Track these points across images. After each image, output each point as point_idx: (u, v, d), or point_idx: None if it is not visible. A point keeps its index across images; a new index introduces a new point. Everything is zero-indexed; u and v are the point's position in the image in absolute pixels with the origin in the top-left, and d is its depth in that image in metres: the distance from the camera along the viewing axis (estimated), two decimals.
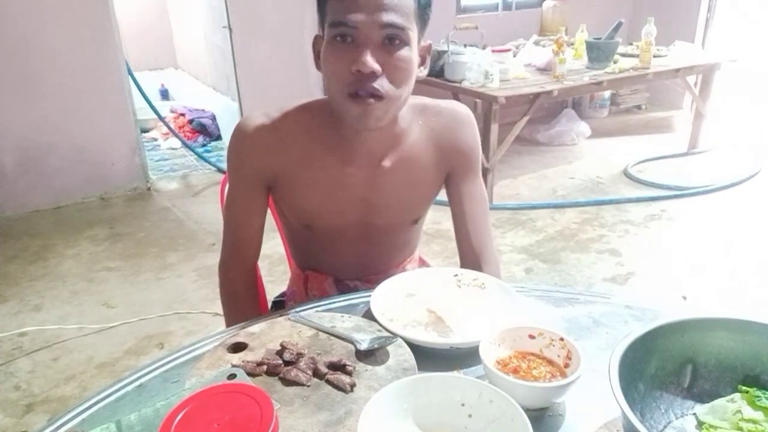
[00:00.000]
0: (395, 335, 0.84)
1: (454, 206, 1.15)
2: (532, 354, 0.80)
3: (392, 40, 0.90)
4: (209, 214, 3.34)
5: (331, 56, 0.93)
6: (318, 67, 0.99)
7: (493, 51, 3.50)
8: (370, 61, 0.89)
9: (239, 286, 1.15)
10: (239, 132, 1.05)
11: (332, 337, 0.86)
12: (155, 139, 4.79)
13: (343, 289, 1.21)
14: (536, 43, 4.17)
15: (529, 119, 3.41)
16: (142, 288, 2.66)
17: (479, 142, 1.16)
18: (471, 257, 1.12)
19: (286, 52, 3.95)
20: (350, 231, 1.12)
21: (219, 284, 1.17)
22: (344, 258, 1.17)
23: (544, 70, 3.65)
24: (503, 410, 0.66)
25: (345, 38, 0.90)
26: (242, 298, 1.16)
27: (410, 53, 0.93)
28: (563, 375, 0.76)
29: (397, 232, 1.18)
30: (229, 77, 3.99)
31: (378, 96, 0.92)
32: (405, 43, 0.92)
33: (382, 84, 0.92)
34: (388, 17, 0.88)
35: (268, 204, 1.11)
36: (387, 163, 1.06)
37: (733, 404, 0.68)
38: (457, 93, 3.46)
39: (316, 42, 0.99)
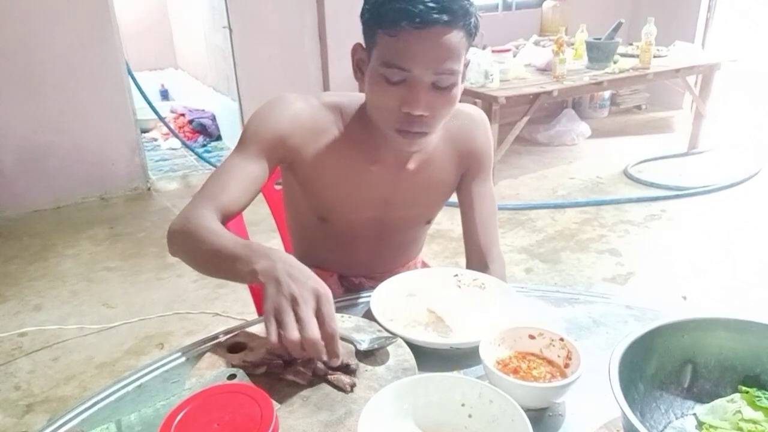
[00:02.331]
0: (395, 335, 0.85)
1: (465, 206, 1.16)
2: (532, 354, 0.80)
3: (443, 82, 0.91)
4: None
5: (380, 92, 0.93)
6: (357, 78, 0.99)
7: (493, 51, 3.50)
8: (422, 107, 0.90)
9: (209, 219, 0.91)
10: (281, 101, 1.03)
11: None
12: (155, 139, 4.79)
13: (348, 285, 1.22)
14: (536, 43, 4.17)
15: (529, 119, 3.41)
16: (142, 288, 2.66)
17: (492, 145, 1.18)
18: (477, 257, 1.13)
19: (286, 52, 3.96)
20: (365, 228, 1.13)
21: (172, 229, 0.94)
22: (354, 254, 1.19)
23: (544, 70, 3.65)
24: (503, 410, 0.66)
25: (396, 79, 0.90)
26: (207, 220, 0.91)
27: (458, 90, 0.94)
28: (563, 375, 0.76)
29: (409, 232, 1.21)
30: (229, 77, 3.99)
31: (425, 132, 0.94)
32: (455, 84, 0.92)
33: (429, 123, 0.94)
34: (443, 65, 0.88)
35: (267, 178, 1.04)
36: (411, 165, 1.08)
37: (733, 404, 0.68)
38: None
39: (357, 51, 0.98)
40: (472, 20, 0.90)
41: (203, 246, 0.87)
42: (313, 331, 0.71)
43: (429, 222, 1.22)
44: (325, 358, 0.73)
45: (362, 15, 0.93)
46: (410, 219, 1.17)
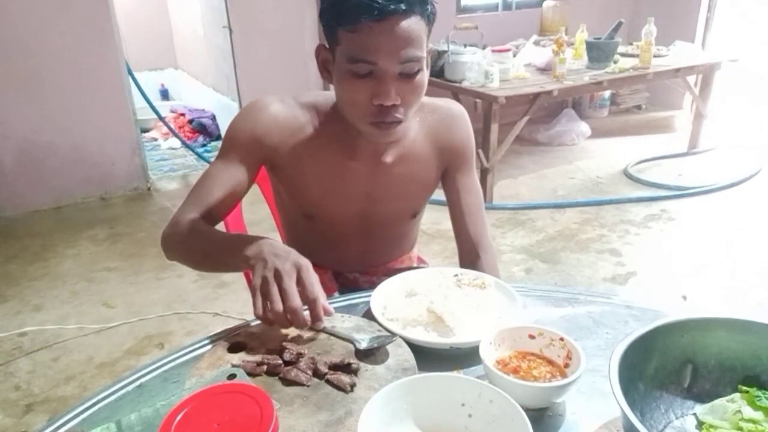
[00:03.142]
0: (395, 335, 0.85)
1: (451, 200, 1.19)
2: (532, 354, 0.80)
3: (409, 70, 0.92)
4: None
5: (350, 88, 0.94)
6: (325, 78, 1.00)
7: (493, 51, 3.49)
8: (392, 97, 0.92)
9: (197, 223, 0.99)
10: (258, 104, 1.06)
11: (332, 337, 0.86)
12: (155, 139, 4.79)
13: (343, 281, 1.23)
14: (536, 43, 4.16)
15: (529, 119, 3.41)
16: (142, 288, 2.66)
17: (473, 138, 1.20)
18: (469, 248, 1.16)
19: (286, 52, 3.96)
20: (351, 223, 1.15)
21: (165, 235, 1.01)
22: (345, 250, 1.20)
23: (544, 70, 3.64)
24: (503, 410, 0.66)
25: (363, 72, 0.91)
26: (204, 227, 0.99)
27: (424, 75, 0.96)
28: (563, 375, 0.76)
29: (396, 226, 1.22)
30: (229, 77, 3.99)
31: (398, 121, 0.96)
32: (420, 69, 0.94)
33: (401, 111, 0.95)
34: (407, 53, 0.90)
35: (252, 181, 1.09)
36: (388, 158, 1.09)
37: (733, 404, 0.68)
38: (457, 93, 3.46)
39: (320, 52, 0.99)
40: (429, 6, 0.92)
41: (196, 246, 0.96)
42: (295, 300, 0.79)
43: (415, 216, 1.24)
44: (307, 325, 0.81)
45: (321, 16, 0.95)
46: (395, 212, 1.18)
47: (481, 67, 3.26)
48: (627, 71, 3.60)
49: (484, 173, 3.33)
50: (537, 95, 3.28)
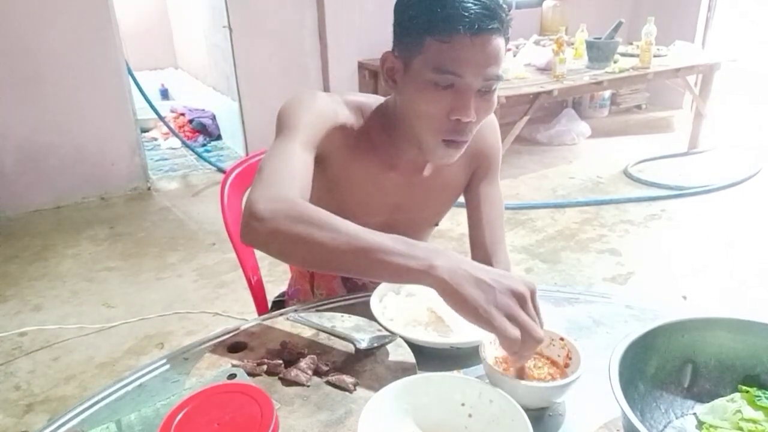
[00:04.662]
0: (395, 334, 0.85)
1: (471, 206, 1.16)
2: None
3: (488, 88, 0.92)
4: (209, 214, 3.34)
5: (428, 99, 0.91)
6: (390, 86, 0.97)
7: None
8: (471, 113, 0.90)
9: (305, 203, 0.79)
10: (319, 93, 1.00)
11: (332, 337, 0.86)
12: (155, 139, 4.80)
13: (352, 287, 1.21)
14: (536, 43, 4.17)
15: (529, 119, 3.41)
16: (142, 288, 2.66)
17: (501, 146, 1.18)
18: (482, 257, 1.13)
19: (286, 52, 3.96)
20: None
21: (266, 210, 0.76)
22: None
23: (544, 69, 3.65)
24: (503, 410, 0.66)
25: (446, 84, 0.89)
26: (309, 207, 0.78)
27: (496, 96, 0.95)
28: (563, 375, 0.76)
29: (417, 234, 1.20)
30: (229, 77, 3.99)
31: (466, 141, 0.95)
32: (496, 89, 0.94)
33: (472, 130, 0.95)
34: (492, 71, 0.89)
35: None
36: (426, 171, 1.08)
37: (733, 404, 0.68)
38: None
39: (387, 59, 0.96)
40: (510, 30, 0.92)
41: (328, 233, 0.74)
42: (540, 332, 0.68)
43: (437, 224, 1.22)
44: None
45: (400, 23, 0.91)
46: (419, 222, 1.16)
47: None
48: (627, 71, 3.60)
49: None
50: (537, 95, 3.28)
